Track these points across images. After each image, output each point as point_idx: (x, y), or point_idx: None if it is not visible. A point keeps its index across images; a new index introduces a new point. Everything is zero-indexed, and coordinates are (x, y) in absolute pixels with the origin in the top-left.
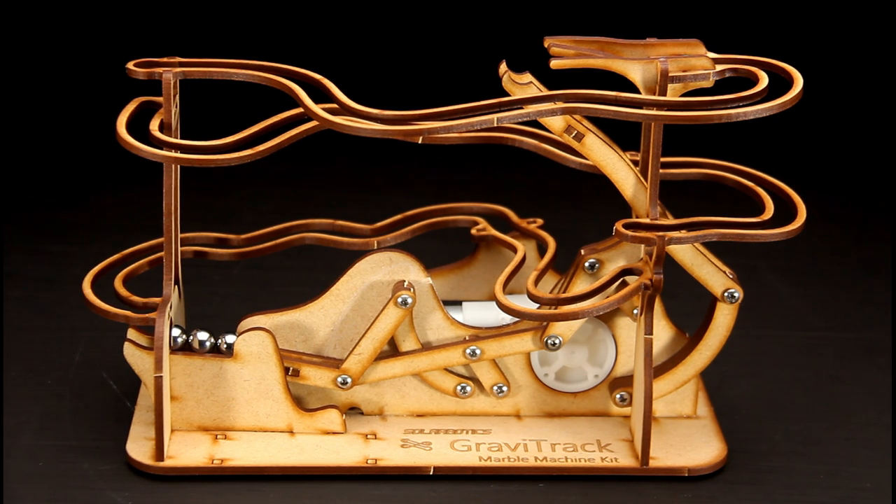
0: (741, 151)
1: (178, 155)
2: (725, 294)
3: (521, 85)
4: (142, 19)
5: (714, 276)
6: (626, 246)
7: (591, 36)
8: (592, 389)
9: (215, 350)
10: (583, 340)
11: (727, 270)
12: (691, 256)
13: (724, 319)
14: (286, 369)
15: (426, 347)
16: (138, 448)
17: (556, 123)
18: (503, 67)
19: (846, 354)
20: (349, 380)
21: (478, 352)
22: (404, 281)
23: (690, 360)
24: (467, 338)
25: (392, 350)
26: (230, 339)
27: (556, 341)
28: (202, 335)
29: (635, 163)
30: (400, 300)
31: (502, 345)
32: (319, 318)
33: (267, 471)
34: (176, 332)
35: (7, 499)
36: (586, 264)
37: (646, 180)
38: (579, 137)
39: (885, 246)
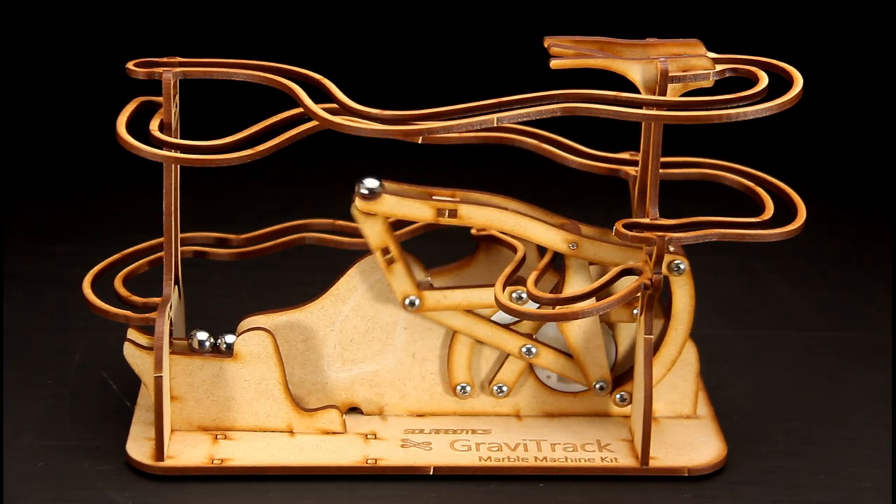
0: (741, 151)
1: (178, 155)
2: (671, 267)
3: (372, 202)
4: (142, 19)
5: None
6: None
7: (591, 36)
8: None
9: (215, 350)
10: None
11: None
12: (609, 254)
13: (682, 291)
14: (384, 250)
15: (495, 322)
16: (138, 448)
17: (425, 214)
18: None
19: (846, 354)
20: (417, 302)
21: (533, 351)
22: (525, 279)
23: (670, 339)
24: (534, 336)
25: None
26: (230, 339)
27: (604, 385)
28: (202, 335)
29: (634, 163)
30: (514, 295)
31: (557, 360)
32: (319, 318)
33: (267, 471)
34: (203, 335)
35: (7, 499)
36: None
37: (645, 180)
38: (453, 214)
39: (885, 246)
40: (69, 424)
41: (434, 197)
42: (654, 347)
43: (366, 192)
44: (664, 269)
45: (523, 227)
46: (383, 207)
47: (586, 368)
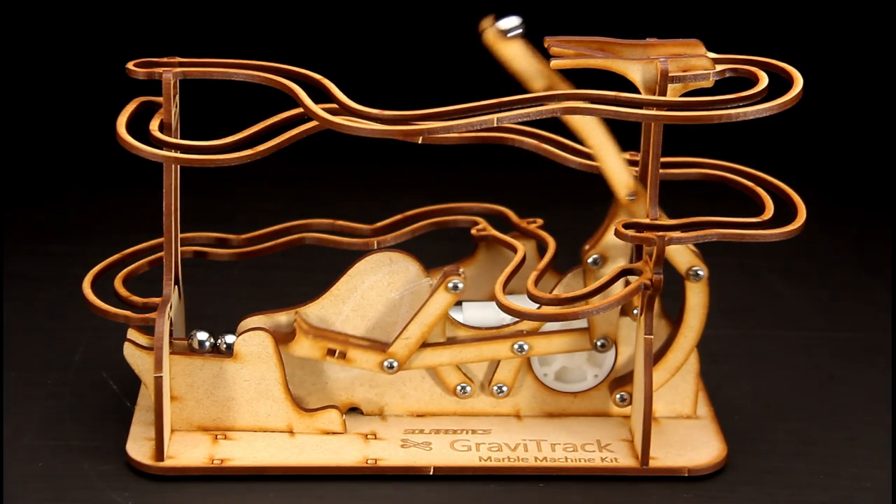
0: (741, 151)
1: (178, 155)
2: (690, 272)
3: (506, 40)
4: (142, 19)
5: (681, 252)
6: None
7: (591, 36)
8: (592, 389)
9: (215, 350)
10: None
11: (694, 249)
12: None
13: (696, 299)
14: (331, 352)
15: (477, 337)
16: (138, 448)
17: (539, 83)
18: (487, 24)
19: (846, 354)
20: (395, 364)
21: (525, 347)
22: (458, 266)
23: (678, 346)
24: (525, 331)
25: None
26: (230, 339)
27: (606, 342)
28: (202, 335)
29: (635, 163)
30: (451, 285)
31: (551, 342)
32: (319, 319)
33: (267, 471)
34: (203, 335)
35: (7, 499)
36: (589, 261)
37: (645, 180)
38: (560, 99)
39: (885, 246)
40: (69, 424)
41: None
42: (661, 352)
43: (503, 28)
44: (683, 273)
45: (605, 152)
46: (509, 52)
47: (592, 320)
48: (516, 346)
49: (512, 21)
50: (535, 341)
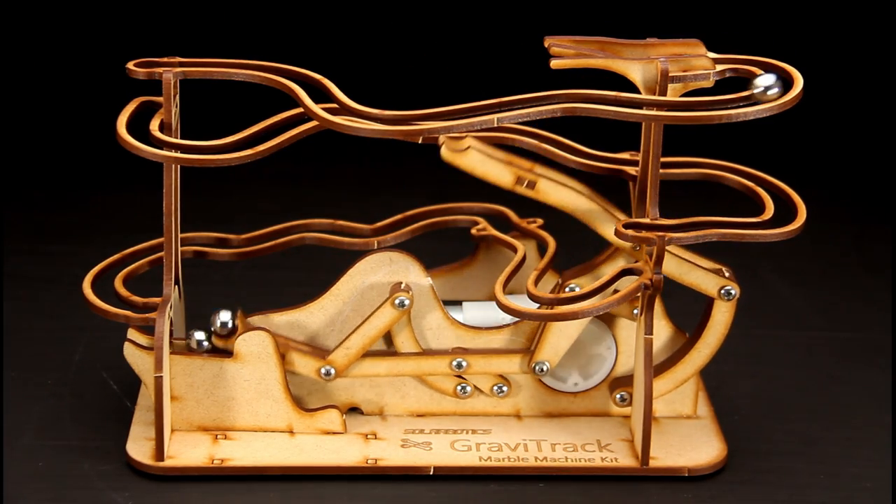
0: (741, 151)
1: (178, 155)
2: (722, 292)
3: (460, 152)
4: (142, 19)
5: (705, 279)
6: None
7: (591, 36)
8: (592, 389)
9: (214, 343)
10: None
11: (722, 268)
12: (675, 266)
13: (722, 317)
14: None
15: (415, 352)
16: (138, 448)
17: (504, 179)
18: (442, 138)
19: (846, 354)
20: (333, 371)
21: (464, 364)
22: (401, 283)
23: (690, 359)
24: (451, 350)
25: (387, 346)
26: (199, 335)
27: (544, 367)
28: (199, 335)
29: (635, 163)
30: (397, 301)
31: (489, 362)
32: (319, 318)
33: (267, 471)
34: (201, 335)
35: (7, 499)
36: (567, 290)
37: (645, 180)
38: (532, 185)
39: (885, 246)
40: (69, 424)
41: (515, 164)
42: (669, 363)
43: (762, 85)
44: (714, 293)
45: (594, 217)
46: (467, 162)
47: (540, 343)
48: (454, 363)
49: (770, 79)
50: (473, 360)
